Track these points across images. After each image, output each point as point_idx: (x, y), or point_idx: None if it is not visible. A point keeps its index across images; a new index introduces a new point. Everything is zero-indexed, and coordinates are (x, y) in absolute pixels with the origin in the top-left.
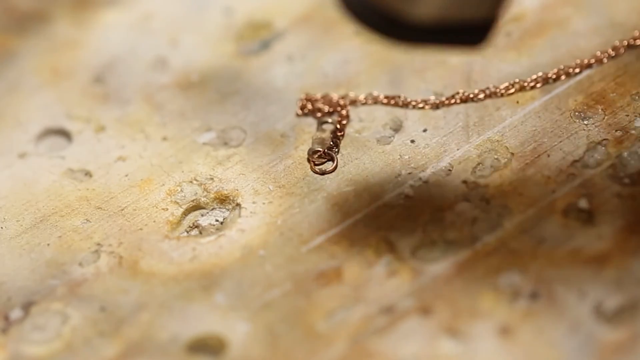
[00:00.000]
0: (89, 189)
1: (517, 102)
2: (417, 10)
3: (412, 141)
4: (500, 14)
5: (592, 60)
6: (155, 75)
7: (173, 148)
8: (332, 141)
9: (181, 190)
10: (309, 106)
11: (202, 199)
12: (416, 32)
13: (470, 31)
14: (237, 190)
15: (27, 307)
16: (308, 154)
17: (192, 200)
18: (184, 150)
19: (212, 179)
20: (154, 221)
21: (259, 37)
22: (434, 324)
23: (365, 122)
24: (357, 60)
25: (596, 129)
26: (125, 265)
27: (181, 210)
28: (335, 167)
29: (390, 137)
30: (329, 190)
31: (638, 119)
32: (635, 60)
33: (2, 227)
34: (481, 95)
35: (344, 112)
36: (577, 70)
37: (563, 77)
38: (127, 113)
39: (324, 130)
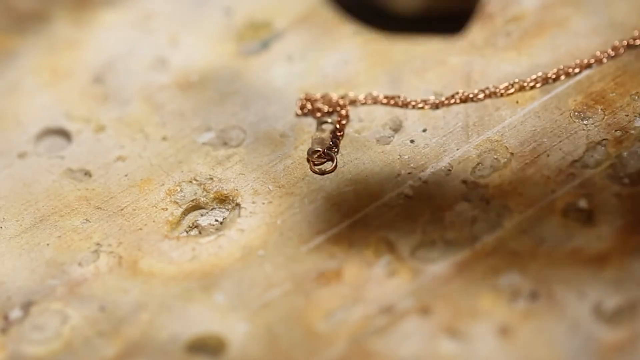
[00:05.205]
0: (88, 189)
1: (517, 102)
2: (400, 2)
3: (412, 141)
4: (478, 4)
5: (592, 60)
6: (155, 75)
7: (173, 148)
8: (332, 141)
9: (181, 190)
10: (309, 106)
11: (202, 199)
12: (399, 21)
13: (450, 20)
14: (237, 190)
15: (26, 307)
16: (308, 153)
17: (192, 200)
18: (184, 150)
19: (211, 178)
20: (154, 221)
21: (258, 37)
22: (434, 324)
23: (364, 122)
24: (357, 60)
25: (596, 129)
26: (124, 265)
27: (181, 210)
28: (335, 167)
29: (389, 137)
30: (329, 190)
31: (638, 119)
32: (635, 60)
33: (1, 227)
34: (481, 95)
35: (343, 112)
36: (577, 70)
37: (563, 77)
38: (127, 113)
39: (323, 130)
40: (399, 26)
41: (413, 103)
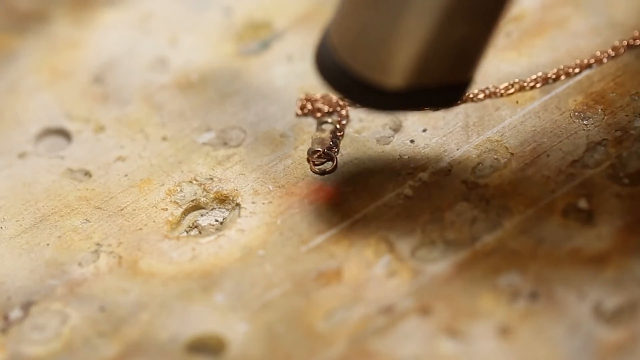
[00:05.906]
0: (88, 189)
1: (517, 102)
2: (390, 79)
3: (412, 141)
4: (473, 77)
5: (592, 60)
6: (155, 75)
7: (173, 148)
8: (332, 141)
9: (181, 190)
10: (309, 106)
11: (202, 199)
12: (391, 97)
13: (444, 92)
14: (237, 190)
15: (26, 307)
16: (308, 154)
17: (192, 200)
18: (184, 150)
19: (211, 179)
20: (154, 221)
21: (258, 37)
22: (434, 324)
23: (364, 122)
24: None
25: (596, 129)
26: (124, 265)
27: (181, 210)
28: (335, 167)
29: (389, 137)
30: (329, 190)
31: (638, 119)
32: (635, 60)
33: (1, 227)
34: (481, 95)
35: (343, 112)
36: (577, 70)
37: (563, 77)
38: (127, 113)
39: (323, 130)
40: (390, 103)
41: None
